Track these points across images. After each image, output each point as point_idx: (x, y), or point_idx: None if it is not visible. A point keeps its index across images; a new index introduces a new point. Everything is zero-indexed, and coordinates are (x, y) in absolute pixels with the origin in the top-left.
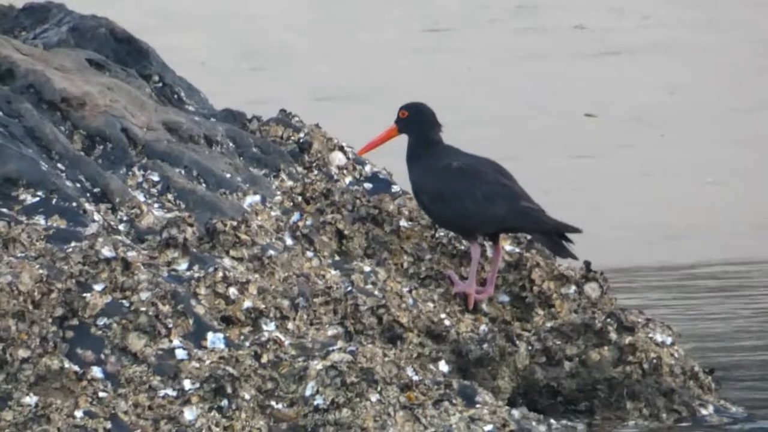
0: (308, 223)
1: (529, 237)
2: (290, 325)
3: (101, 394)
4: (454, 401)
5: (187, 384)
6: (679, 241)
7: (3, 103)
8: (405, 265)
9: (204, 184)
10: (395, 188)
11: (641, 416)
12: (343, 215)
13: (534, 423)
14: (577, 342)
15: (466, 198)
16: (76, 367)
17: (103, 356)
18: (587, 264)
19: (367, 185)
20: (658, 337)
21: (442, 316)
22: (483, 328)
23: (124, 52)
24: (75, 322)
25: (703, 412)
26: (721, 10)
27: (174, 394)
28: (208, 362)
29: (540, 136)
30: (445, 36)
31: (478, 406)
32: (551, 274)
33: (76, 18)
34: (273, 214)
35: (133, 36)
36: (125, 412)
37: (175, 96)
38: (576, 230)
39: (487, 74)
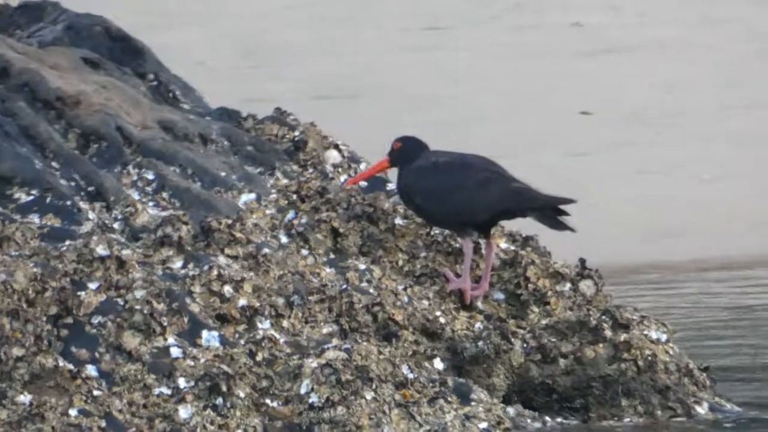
0: (303, 221)
1: (524, 235)
2: (285, 323)
3: (96, 393)
4: (449, 399)
5: (182, 382)
6: (675, 239)
7: None
8: (400, 262)
9: (199, 183)
10: (390, 186)
11: (636, 413)
12: (338, 213)
13: (529, 420)
14: (572, 339)
15: (458, 189)
16: (70, 366)
17: (97, 354)
18: (582, 261)
19: (363, 183)
20: (653, 335)
21: (437, 313)
22: (478, 325)
23: (119, 51)
24: (69, 320)
25: (698, 409)
26: (717, 8)
27: (169, 392)
28: (203, 360)
29: (536, 134)
30: (443, 34)
31: (473, 403)
32: (546, 271)
33: (72, 16)
34: (268, 212)
35: (129, 34)
36: (120, 411)
37: (171, 94)
38: (570, 201)
39: (485, 72)
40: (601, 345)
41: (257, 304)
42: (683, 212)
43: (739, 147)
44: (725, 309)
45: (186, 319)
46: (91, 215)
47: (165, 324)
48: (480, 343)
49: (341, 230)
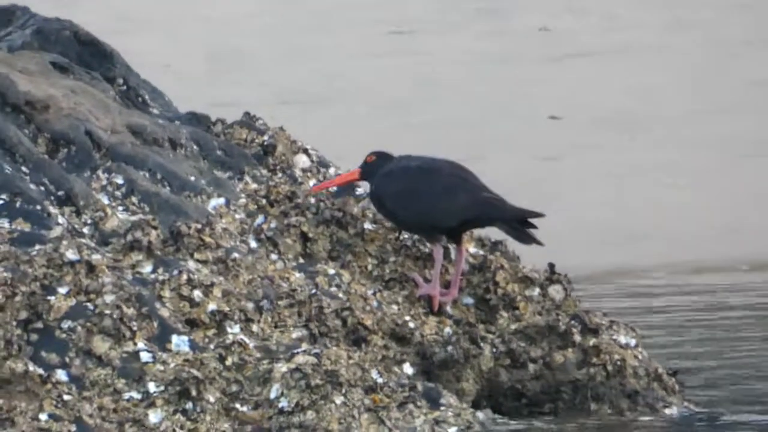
0: (272, 225)
1: (493, 240)
2: (255, 328)
3: (66, 397)
4: (418, 403)
5: (151, 387)
6: (644, 243)
7: None
8: (369, 267)
9: (168, 187)
10: (359, 191)
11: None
12: (308, 218)
13: (498, 425)
14: (541, 344)
15: (427, 194)
16: (40, 370)
17: (67, 359)
18: (551, 266)
19: (331, 188)
20: (622, 339)
21: (407, 318)
22: (447, 330)
23: (88, 55)
24: (39, 325)
25: (667, 413)
26: (685, 13)
27: (139, 396)
28: (172, 365)
29: (505, 138)
30: (409, 38)
31: (442, 408)
32: (515, 276)
33: (40, 21)
34: (237, 216)
35: (98, 39)
36: (90, 415)
37: (140, 99)
38: (538, 215)
39: (453, 76)
40: (570, 350)
41: (227, 309)
42: (652, 216)
43: (708, 151)
44: (694, 312)
45: (156, 324)
46: (60, 220)
47: (135, 329)
48: (449, 348)
49: (310, 235)
